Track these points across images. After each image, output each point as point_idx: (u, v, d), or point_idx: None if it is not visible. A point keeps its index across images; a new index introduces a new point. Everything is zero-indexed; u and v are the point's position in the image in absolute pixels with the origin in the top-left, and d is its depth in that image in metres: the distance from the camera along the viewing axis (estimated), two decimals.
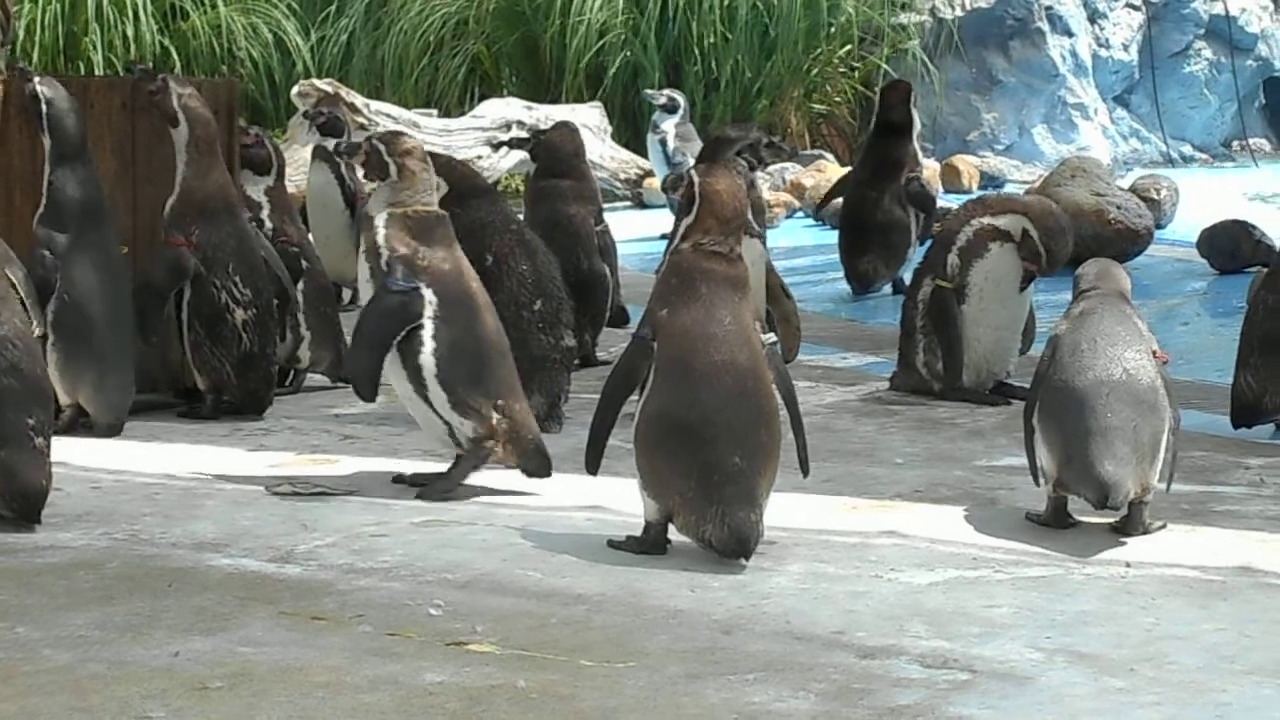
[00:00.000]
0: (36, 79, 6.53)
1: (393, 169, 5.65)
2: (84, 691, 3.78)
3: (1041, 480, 5.18)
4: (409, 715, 3.66)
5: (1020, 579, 4.69)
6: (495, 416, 5.53)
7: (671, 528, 4.89)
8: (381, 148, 5.69)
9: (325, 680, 3.86)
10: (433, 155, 7.13)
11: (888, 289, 10.19)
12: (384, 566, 4.77)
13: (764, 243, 6.93)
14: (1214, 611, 4.42)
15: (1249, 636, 4.22)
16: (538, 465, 5.59)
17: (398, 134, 5.99)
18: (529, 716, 3.67)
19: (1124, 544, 5.01)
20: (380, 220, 5.60)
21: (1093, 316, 5.25)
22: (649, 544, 4.90)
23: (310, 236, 8.23)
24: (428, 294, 5.51)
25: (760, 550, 4.87)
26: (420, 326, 5.49)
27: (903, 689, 3.83)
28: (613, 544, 4.95)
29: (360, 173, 6.37)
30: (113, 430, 6.39)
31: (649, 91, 14.37)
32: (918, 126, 10.25)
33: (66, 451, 6.01)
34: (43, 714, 3.65)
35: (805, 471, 5.18)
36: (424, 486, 5.60)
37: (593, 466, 5.06)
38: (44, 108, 6.43)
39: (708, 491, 4.78)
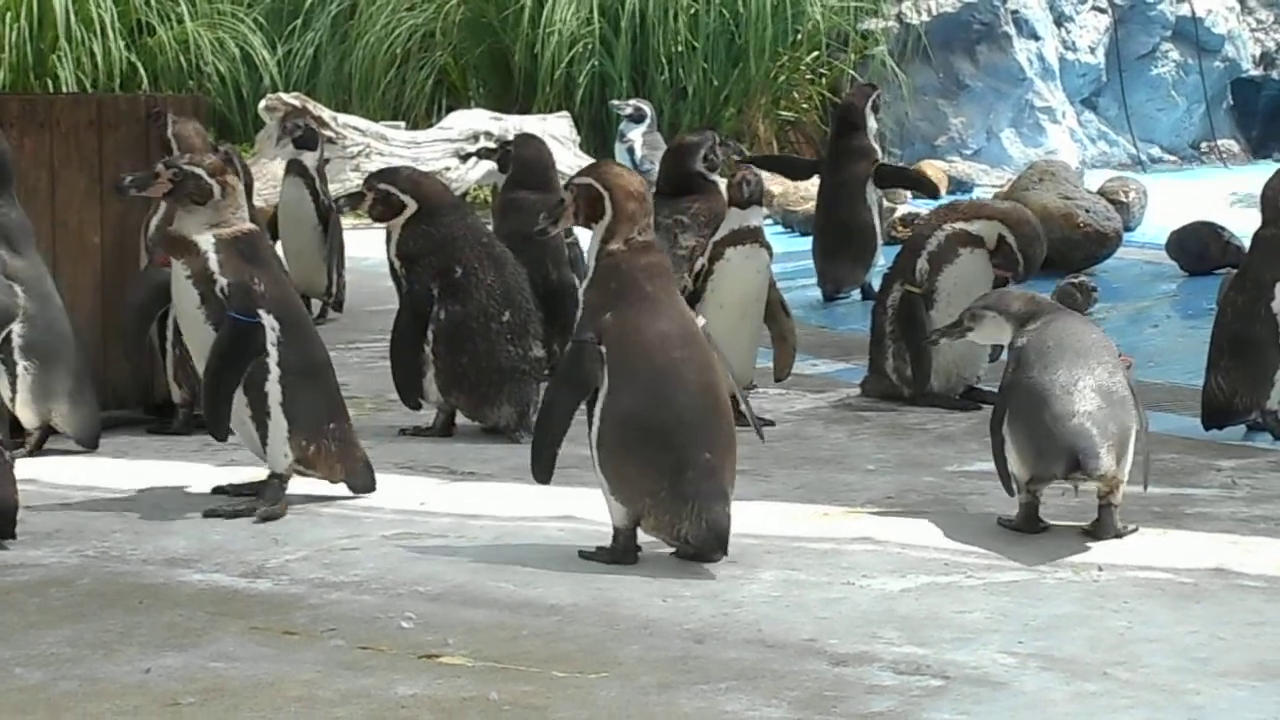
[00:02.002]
0: None
1: (216, 189, 5.55)
2: (56, 709, 3.77)
3: (1014, 488, 5.18)
4: None
5: (993, 584, 4.69)
6: (325, 441, 5.55)
7: (640, 530, 4.90)
8: (199, 171, 5.56)
9: (298, 695, 3.85)
10: (398, 169, 7.14)
11: (857, 294, 10.22)
12: (355, 580, 4.76)
13: (770, 255, 6.94)
14: (1187, 614, 4.43)
15: (1223, 639, 4.22)
16: (365, 482, 5.66)
17: (199, 153, 5.95)
18: None
19: (1095, 549, 5.02)
20: (208, 245, 5.51)
21: (1055, 323, 5.26)
22: (619, 552, 4.90)
23: (280, 250, 8.21)
24: (268, 321, 5.47)
25: (732, 558, 4.88)
26: (265, 355, 5.46)
27: (876, 696, 3.83)
28: (584, 555, 4.94)
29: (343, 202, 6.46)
30: (96, 441, 6.37)
31: (615, 102, 14.38)
32: (873, 126, 10.28)
33: (36, 469, 6.01)
34: None
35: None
36: (240, 508, 5.51)
37: (545, 475, 4.98)
38: None
39: (682, 490, 4.80)
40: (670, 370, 4.86)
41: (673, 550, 4.92)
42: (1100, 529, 5.11)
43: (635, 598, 4.56)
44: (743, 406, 5.26)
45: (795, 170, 11.58)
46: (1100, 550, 4.99)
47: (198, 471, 6.09)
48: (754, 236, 6.89)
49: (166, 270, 6.62)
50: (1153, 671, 3.99)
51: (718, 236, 6.90)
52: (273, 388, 5.46)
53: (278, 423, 5.48)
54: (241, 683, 3.93)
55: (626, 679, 3.95)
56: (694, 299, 6.84)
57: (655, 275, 4.97)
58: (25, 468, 6.01)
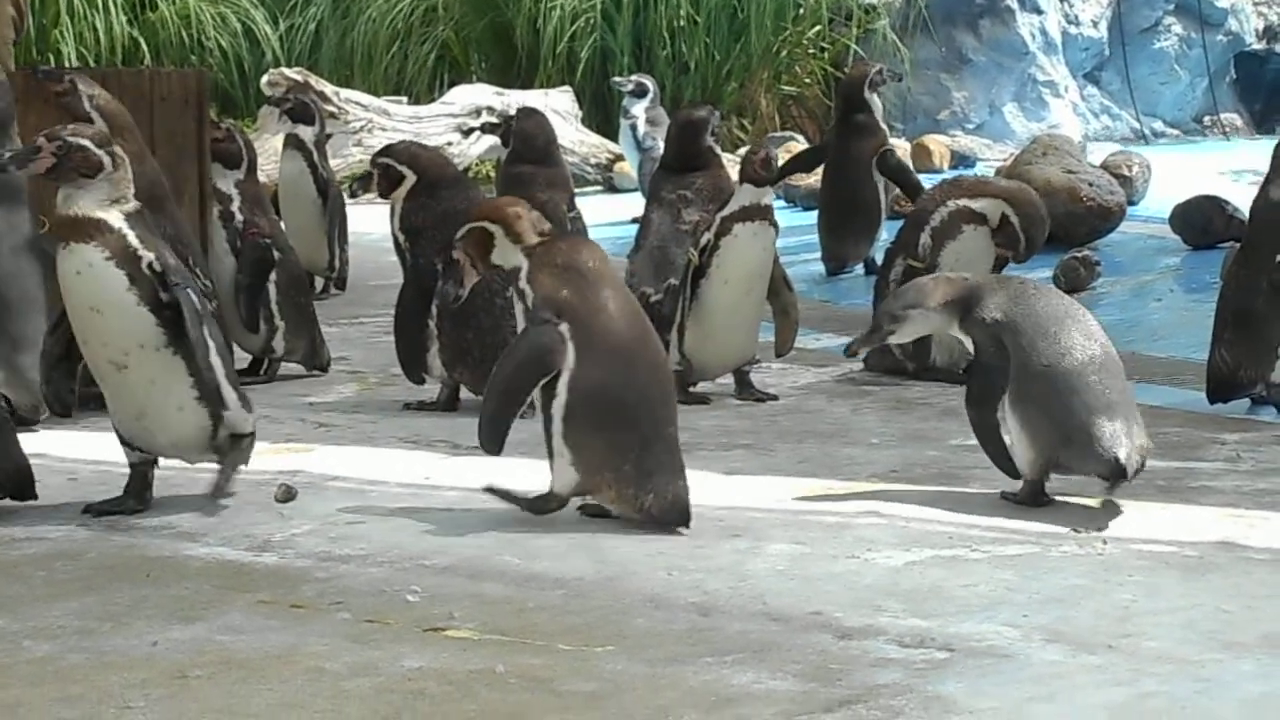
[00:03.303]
0: (67, 86, 6.50)
1: (105, 160, 5.14)
2: (65, 682, 3.78)
3: (1030, 469, 5.16)
4: (389, 701, 3.66)
5: (997, 557, 4.69)
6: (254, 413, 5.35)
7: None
8: (84, 142, 5.13)
9: (305, 667, 3.85)
10: (399, 144, 7.15)
11: (860, 269, 10.22)
12: (361, 553, 4.76)
13: (777, 232, 6.94)
14: (1192, 587, 4.43)
15: (1227, 611, 4.23)
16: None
17: (80, 123, 5.70)
18: (508, 701, 3.67)
19: (1101, 522, 5.02)
20: (119, 221, 5.11)
21: (1035, 298, 5.23)
22: (541, 510, 5.02)
23: (283, 226, 8.22)
24: (192, 297, 5.11)
25: (737, 532, 4.89)
26: (202, 324, 5.12)
27: (881, 669, 3.84)
28: (493, 490, 5.09)
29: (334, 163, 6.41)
30: (35, 412, 6.25)
31: (617, 79, 14.34)
32: (877, 105, 10.28)
33: (45, 443, 6.01)
34: (24, 705, 3.65)
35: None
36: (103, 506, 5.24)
37: (497, 447, 5.03)
38: None
39: (648, 464, 4.90)
40: (635, 345, 4.97)
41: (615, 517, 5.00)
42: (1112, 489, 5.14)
43: (641, 571, 4.57)
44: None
45: (811, 163, 11.50)
46: (1106, 523, 4.99)
47: None
48: (764, 214, 6.88)
49: None
50: (1159, 644, 3.99)
51: (726, 212, 6.88)
52: (214, 360, 5.11)
53: (228, 396, 5.18)
54: (249, 655, 3.94)
55: (633, 652, 3.95)
56: (699, 274, 6.85)
57: (589, 252, 5.09)
58: (33, 441, 6.04)
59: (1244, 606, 4.26)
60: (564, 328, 4.91)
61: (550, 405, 4.94)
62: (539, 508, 5.04)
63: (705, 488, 5.48)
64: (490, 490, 5.11)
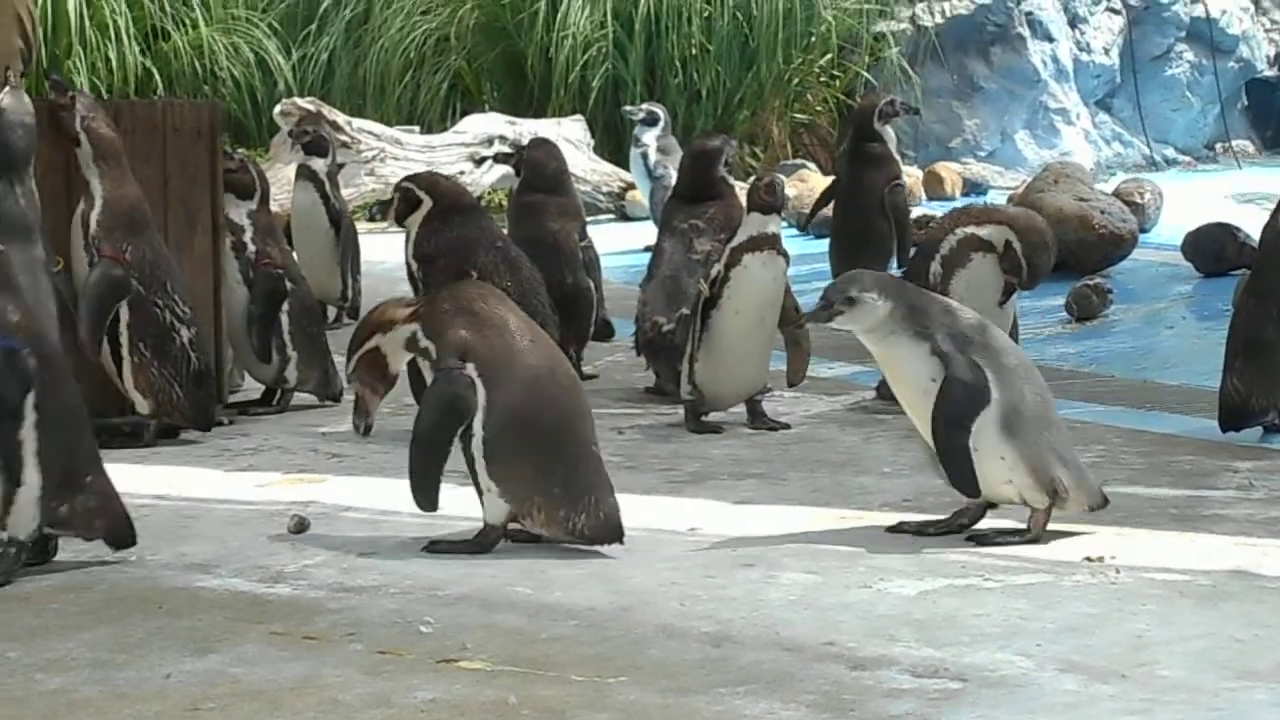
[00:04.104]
0: (69, 99, 6.51)
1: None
2: (79, 715, 3.78)
3: (1028, 495, 5.14)
4: None
5: (1010, 586, 4.69)
6: (83, 495, 4.89)
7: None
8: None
9: (319, 699, 3.85)
10: (420, 172, 7.21)
11: None
12: (374, 585, 4.77)
13: (787, 261, 6.94)
14: (1206, 616, 4.42)
15: (1241, 641, 4.22)
16: (125, 537, 4.97)
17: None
18: None
19: (1113, 551, 5.01)
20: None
21: (989, 331, 5.22)
22: (486, 546, 5.04)
23: (295, 256, 8.23)
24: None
25: (750, 562, 4.88)
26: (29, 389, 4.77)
27: (894, 699, 3.84)
28: (433, 548, 5.08)
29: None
30: None
31: (628, 108, 14.33)
32: (891, 139, 10.30)
33: None
34: None
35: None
36: None
37: (431, 503, 5.07)
38: None
39: (577, 484, 4.96)
40: (544, 368, 5.01)
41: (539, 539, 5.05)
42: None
43: (655, 601, 4.57)
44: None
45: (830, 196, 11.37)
46: (1118, 553, 4.99)
47: (215, 477, 6.10)
48: (772, 243, 6.89)
49: (116, 262, 6.55)
50: (1173, 673, 3.98)
51: (735, 242, 6.89)
52: (27, 435, 4.76)
53: (30, 478, 4.77)
54: (263, 687, 3.94)
55: (645, 683, 3.95)
56: (710, 305, 6.85)
57: (474, 290, 5.22)
58: None
59: (1258, 635, 4.26)
60: (469, 369, 4.94)
61: (470, 445, 4.98)
62: (481, 546, 5.04)
63: (718, 517, 5.49)
64: (433, 549, 5.08)
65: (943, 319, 5.14)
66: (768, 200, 6.85)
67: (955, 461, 5.14)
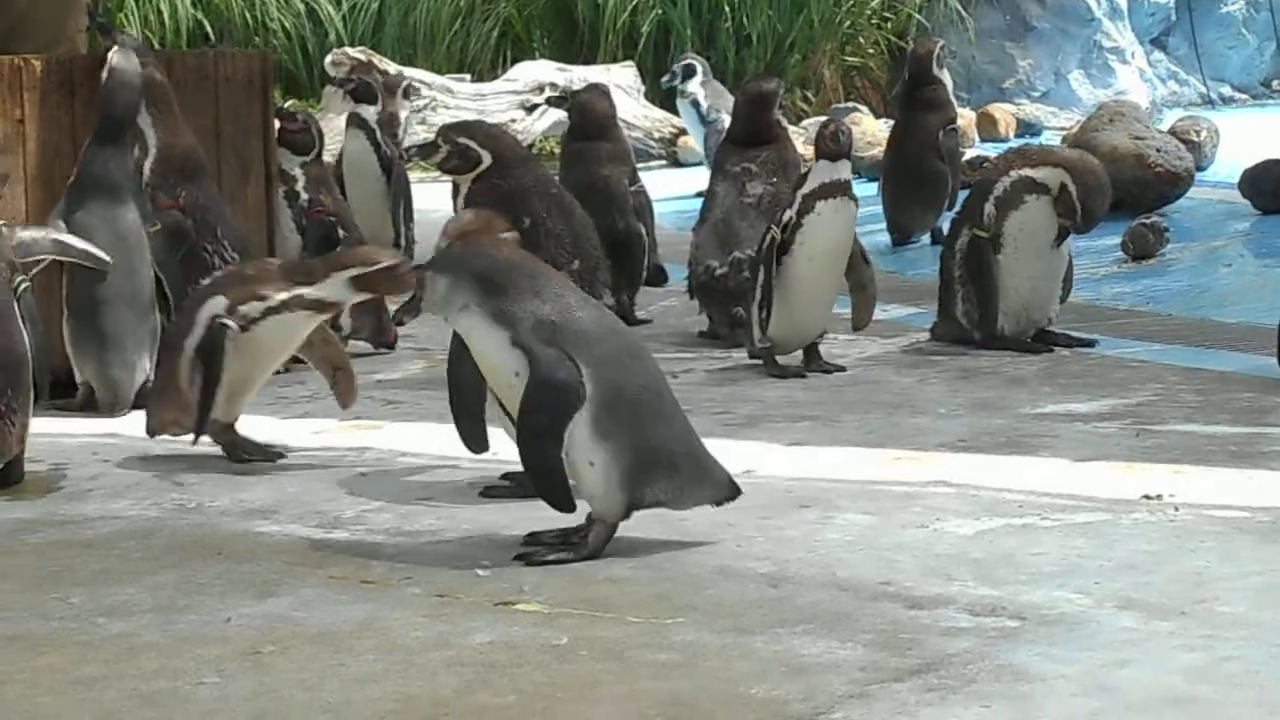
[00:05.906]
0: (118, 42, 6.46)
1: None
2: (138, 659, 3.81)
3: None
4: (461, 675, 3.67)
5: (1067, 525, 4.68)
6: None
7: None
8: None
9: (377, 642, 3.87)
10: (475, 124, 7.16)
11: (926, 239, 10.19)
12: (430, 529, 4.78)
13: (857, 206, 6.92)
14: (1265, 551, 4.40)
15: None
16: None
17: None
18: (580, 673, 3.68)
19: (1172, 489, 4.99)
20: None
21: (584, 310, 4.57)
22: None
23: (348, 204, 8.25)
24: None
25: (805, 503, 4.88)
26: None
27: (952, 638, 3.83)
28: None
29: (405, 143, 6.38)
30: (112, 409, 6.22)
31: (665, 77, 14.02)
32: (949, 82, 10.28)
33: (115, 424, 6.06)
34: (98, 682, 3.67)
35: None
36: None
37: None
38: (104, 76, 6.32)
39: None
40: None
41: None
42: None
43: (711, 542, 4.57)
44: None
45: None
46: (1177, 490, 4.96)
47: (272, 424, 6.12)
48: (844, 189, 6.85)
49: (175, 213, 6.56)
50: (1233, 609, 3.97)
51: (807, 189, 6.85)
52: None
53: None
54: (322, 630, 3.96)
55: (701, 624, 3.96)
56: (783, 250, 6.84)
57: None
58: (108, 423, 6.10)
59: None
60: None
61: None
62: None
63: (773, 458, 5.48)
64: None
65: (528, 302, 4.48)
66: (833, 147, 6.82)
67: (546, 479, 4.48)
